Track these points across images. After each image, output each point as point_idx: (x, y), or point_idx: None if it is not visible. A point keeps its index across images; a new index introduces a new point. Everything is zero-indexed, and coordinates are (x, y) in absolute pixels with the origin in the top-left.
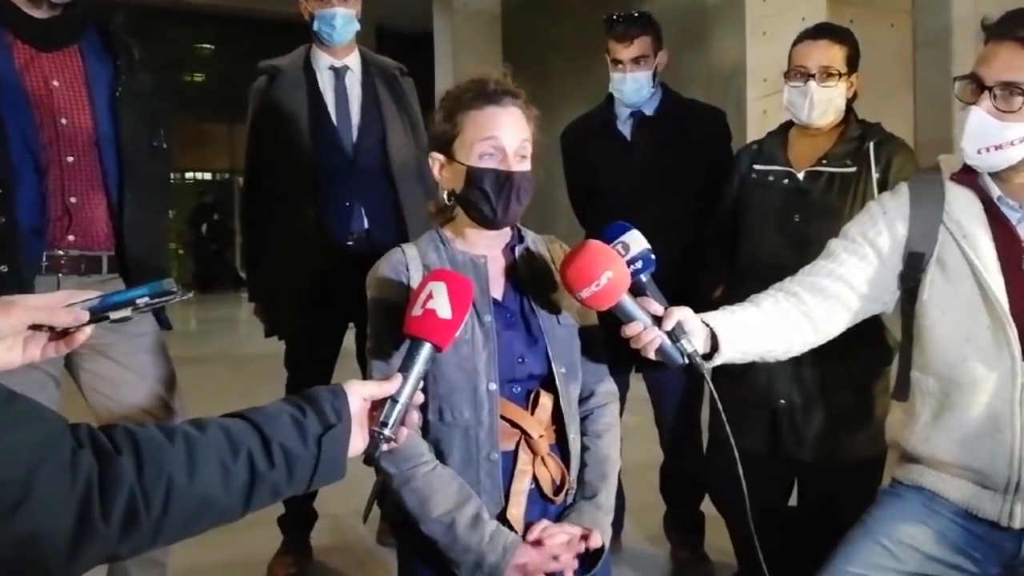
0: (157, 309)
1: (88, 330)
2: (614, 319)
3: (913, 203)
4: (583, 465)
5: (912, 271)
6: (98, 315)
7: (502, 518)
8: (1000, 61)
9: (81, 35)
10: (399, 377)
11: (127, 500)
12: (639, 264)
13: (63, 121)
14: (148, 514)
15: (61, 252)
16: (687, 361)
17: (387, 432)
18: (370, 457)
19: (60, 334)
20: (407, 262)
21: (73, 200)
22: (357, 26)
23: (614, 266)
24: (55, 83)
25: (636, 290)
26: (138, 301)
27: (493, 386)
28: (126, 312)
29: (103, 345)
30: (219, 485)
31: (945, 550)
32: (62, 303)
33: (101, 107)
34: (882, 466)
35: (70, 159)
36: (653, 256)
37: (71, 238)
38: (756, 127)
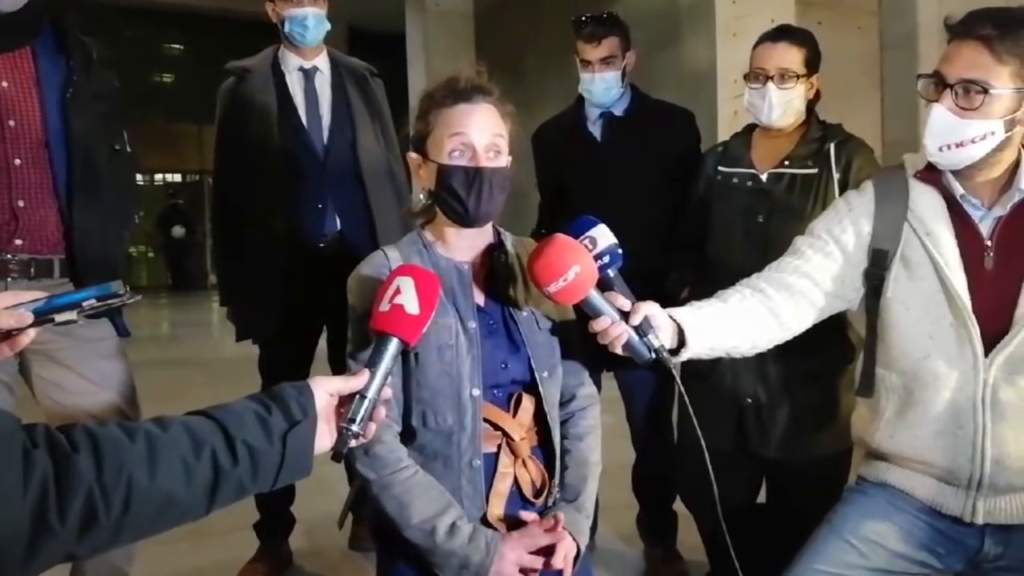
0: (113, 314)
1: (32, 332)
2: (585, 315)
3: (878, 201)
4: (563, 467)
5: (876, 268)
6: (42, 317)
7: (483, 521)
8: (962, 59)
9: (35, 35)
10: (366, 373)
11: (85, 499)
12: (606, 259)
13: (11, 123)
14: (108, 513)
15: (9, 256)
16: (654, 356)
17: (355, 428)
18: (339, 454)
19: (3, 336)
20: (390, 265)
21: (21, 203)
22: (328, 25)
23: (581, 261)
24: (4, 84)
25: (603, 285)
26: (84, 303)
27: (476, 392)
28: (71, 315)
29: (56, 350)
30: (182, 483)
31: (910, 546)
32: (6, 304)
33: (52, 109)
34: (848, 462)
35: (17, 162)
36: (620, 251)
37: (19, 242)
38: (727, 128)
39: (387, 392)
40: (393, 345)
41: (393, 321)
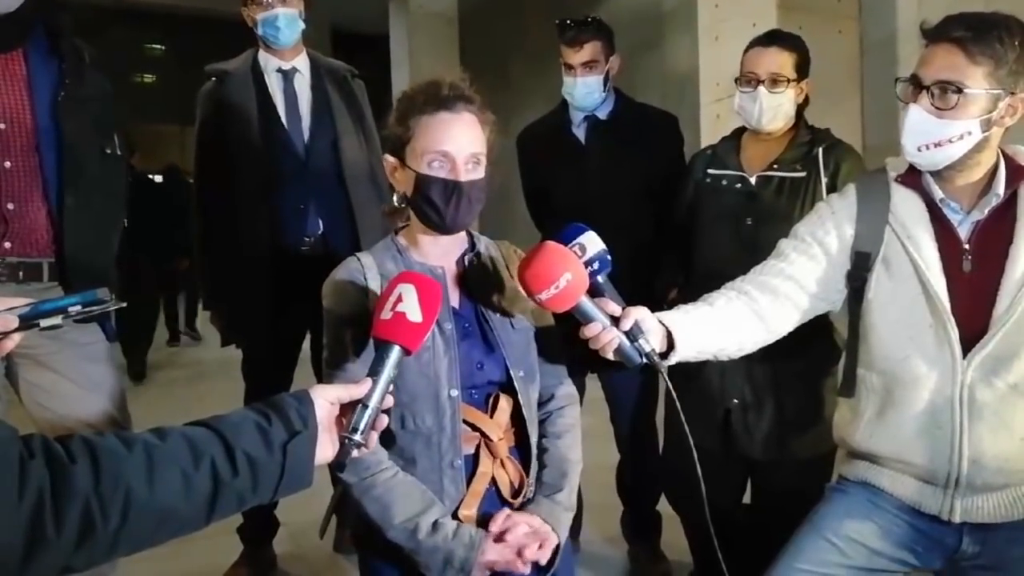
0: (102, 318)
1: (16, 337)
2: (571, 320)
3: (860, 204)
4: (542, 466)
5: (859, 270)
6: (28, 323)
7: (455, 518)
8: (937, 61)
9: (26, 38)
10: (368, 381)
11: (82, 510)
12: (596, 265)
13: (1, 125)
14: (105, 525)
15: None
16: (645, 360)
17: (357, 438)
18: (341, 464)
19: None
20: (364, 271)
21: (11, 206)
22: (302, 25)
23: (573, 268)
24: None
25: (593, 291)
26: (70, 310)
27: (455, 392)
28: (57, 320)
29: (44, 355)
30: (180, 494)
31: (889, 544)
32: None
33: (43, 111)
34: (832, 462)
35: (8, 164)
36: (609, 257)
37: (8, 245)
38: (709, 131)
39: (389, 400)
40: (395, 353)
41: (395, 329)
